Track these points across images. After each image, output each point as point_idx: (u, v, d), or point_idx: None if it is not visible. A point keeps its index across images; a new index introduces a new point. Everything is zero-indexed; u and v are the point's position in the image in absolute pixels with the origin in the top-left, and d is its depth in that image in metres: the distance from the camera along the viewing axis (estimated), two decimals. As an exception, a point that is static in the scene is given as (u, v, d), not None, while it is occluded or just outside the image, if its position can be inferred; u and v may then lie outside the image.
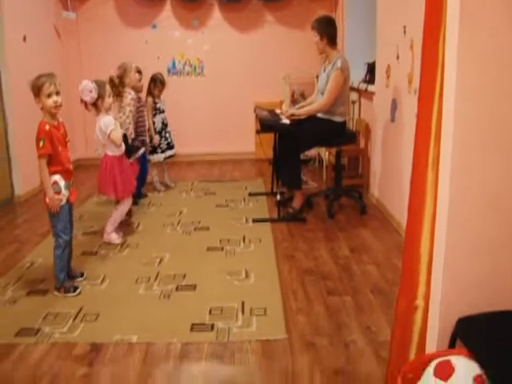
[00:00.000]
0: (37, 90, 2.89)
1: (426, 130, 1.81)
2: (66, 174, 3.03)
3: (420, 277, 1.89)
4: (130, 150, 4.29)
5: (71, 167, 3.08)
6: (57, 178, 2.97)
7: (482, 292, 1.76)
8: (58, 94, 2.92)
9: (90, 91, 3.41)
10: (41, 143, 2.87)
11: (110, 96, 3.59)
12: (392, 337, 2.07)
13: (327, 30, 4.24)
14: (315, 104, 4.40)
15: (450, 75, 1.65)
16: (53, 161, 2.94)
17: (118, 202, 4.03)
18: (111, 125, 3.60)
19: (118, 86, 4.15)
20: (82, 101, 3.46)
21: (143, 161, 4.85)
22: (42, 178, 2.96)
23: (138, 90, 4.64)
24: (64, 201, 3.02)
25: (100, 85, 3.51)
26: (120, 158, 3.77)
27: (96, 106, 3.54)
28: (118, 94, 4.21)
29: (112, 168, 3.71)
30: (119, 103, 4.25)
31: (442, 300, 1.76)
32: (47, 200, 2.97)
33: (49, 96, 2.88)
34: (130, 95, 4.32)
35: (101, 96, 3.51)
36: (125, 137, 4.19)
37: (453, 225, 1.71)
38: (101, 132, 3.63)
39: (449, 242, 1.73)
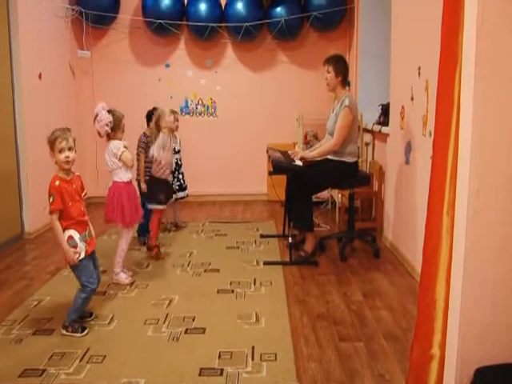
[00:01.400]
0: (51, 144, 2.92)
1: (442, 174, 1.79)
2: (80, 226, 3.00)
3: (435, 324, 1.83)
4: (153, 198, 4.33)
5: (85, 218, 3.07)
6: (71, 232, 2.95)
7: (500, 342, 1.70)
8: (70, 149, 2.94)
9: (107, 124, 3.48)
10: (51, 199, 2.88)
11: (122, 132, 3.65)
12: (407, 387, 2.00)
13: (344, 69, 4.30)
14: (325, 145, 4.41)
15: (466, 117, 1.64)
16: (64, 216, 2.93)
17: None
18: (122, 147, 3.65)
19: (156, 132, 4.25)
20: (94, 121, 3.54)
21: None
22: (55, 233, 2.93)
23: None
24: (82, 254, 2.99)
25: (117, 118, 3.57)
26: (127, 185, 3.77)
27: (108, 135, 3.63)
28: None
29: (120, 196, 3.70)
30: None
31: (459, 349, 1.70)
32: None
33: (60, 151, 2.91)
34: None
35: (114, 130, 3.57)
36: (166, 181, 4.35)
37: (469, 271, 1.67)
38: (111, 155, 3.67)
39: (465, 289, 1.68)
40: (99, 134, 3.59)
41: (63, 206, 2.91)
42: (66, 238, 2.93)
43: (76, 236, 2.95)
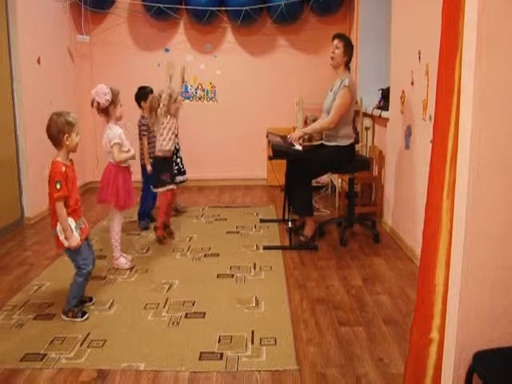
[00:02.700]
0: (71, 126, 2.91)
1: (442, 158, 1.77)
2: (75, 213, 2.99)
3: (435, 308, 1.83)
4: (157, 181, 4.31)
5: (79, 205, 3.06)
6: (69, 220, 2.94)
7: (500, 325, 1.70)
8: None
9: (105, 94, 3.46)
10: (58, 185, 2.84)
11: (121, 106, 3.65)
12: (405, 370, 2.01)
13: (350, 52, 4.29)
14: (321, 121, 4.41)
15: (467, 101, 1.62)
16: (65, 203, 2.91)
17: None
18: (115, 138, 3.63)
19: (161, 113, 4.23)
20: (93, 104, 3.53)
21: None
22: (61, 220, 2.89)
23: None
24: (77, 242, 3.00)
25: (114, 92, 3.55)
26: (124, 169, 3.75)
27: (107, 112, 3.60)
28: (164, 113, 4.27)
29: (116, 176, 3.68)
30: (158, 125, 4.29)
31: (458, 333, 1.70)
32: (64, 241, 2.94)
33: (77, 134, 2.94)
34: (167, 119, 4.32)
35: (113, 103, 3.55)
36: (167, 160, 4.33)
37: (469, 255, 1.66)
38: (106, 140, 3.67)
39: (465, 273, 1.67)
40: (98, 111, 3.57)
41: (68, 192, 2.91)
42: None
43: (73, 225, 2.94)
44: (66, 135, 2.89)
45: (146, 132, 4.77)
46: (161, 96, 4.24)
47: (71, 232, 2.92)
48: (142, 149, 4.82)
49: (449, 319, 1.76)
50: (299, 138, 4.40)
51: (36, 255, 4.22)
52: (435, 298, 1.82)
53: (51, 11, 5.78)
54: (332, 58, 4.29)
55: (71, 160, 3.03)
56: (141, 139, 4.81)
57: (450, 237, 1.77)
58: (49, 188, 2.90)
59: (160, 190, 4.41)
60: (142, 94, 4.84)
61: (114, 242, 3.85)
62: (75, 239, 2.93)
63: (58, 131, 2.89)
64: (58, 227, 2.92)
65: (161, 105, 4.19)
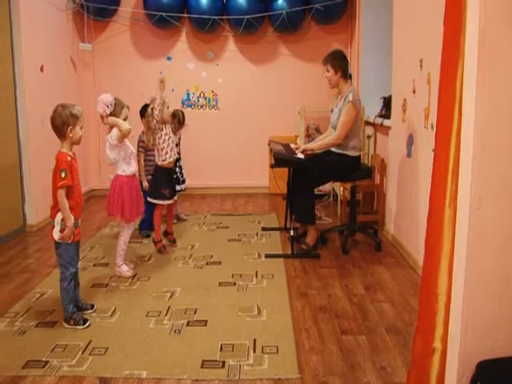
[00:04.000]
0: (75, 118, 2.93)
1: (444, 166, 1.78)
2: (77, 209, 3.00)
3: (437, 317, 1.83)
4: (155, 192, 4.31)
5: (82, 201, 3.08)
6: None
7: (503, 335, 1.70)
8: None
9: (108, 106, 3.47)
10: (62, 174, 2.86)
11: (125, 119, 3.64)
12: (408, 379, 2.01)
13: (341, 63, 4.28)
14: (328, 138, 4.41)
15: (468, 110, 1.63)
16: (68, 194, 2.93)
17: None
18: (116, 131, 3.59)
19: (157, 120, 4.17)
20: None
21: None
22: (62, 207, 2.90)
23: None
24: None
25: (118, 104, 3.56)
26: (130, 179, 3.74)
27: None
28: (159, 128, 4.23)
29: (121, 190, 3.68)
30: (154, 136, 4.24)
31: (461, 342, 1.70)
32: (55, 233, 2.93)
33: (81, 127, 2.96)
34: (163, 131, 4.27)
35: (114, 114, 3.56)
36: (169, 172, 4.32)
37: (472, 265, 1.67)
38: (110, 147, 3.64)
39: (468, 282, 1.68)
40: (101, 117, 3.55)
41: (72, 182, 2.92)
42: (61, 218, 2.92)
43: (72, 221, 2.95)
44: (69, 127, 2.91)
45: (143, 149, 4.77)
46: (153, 107, 4.20)
47: (71, 223, 2.92)
48: (138, 165, 4.79)
49: (451, 329, 1.76)
50: (304, 151, 4.39)
51: (38, 263, 4.22)
52: (438, 307, 1.82)
53: (54, 19, 5.82)
54: (329, 82, 4.37)
55: (74, 153, 3.03)
56: (138, 155, 4.77)
57: (452, 246, 1.77)
58: (53, 177, 2.90)
59: (155, 201, 4.33)
60: (144, 111, 4.84)
61: (120, 250, 3.85)
62: (72, 231, 2.93)
63: (62, 123, 2.90)
64: (57, 218, 2.92)
65: (155, 112, 4.14)
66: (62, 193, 2.89)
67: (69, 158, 2.91)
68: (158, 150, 4.25)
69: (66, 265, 3.03)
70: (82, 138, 3.01)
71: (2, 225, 4.79)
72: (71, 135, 2.93)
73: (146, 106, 4.91)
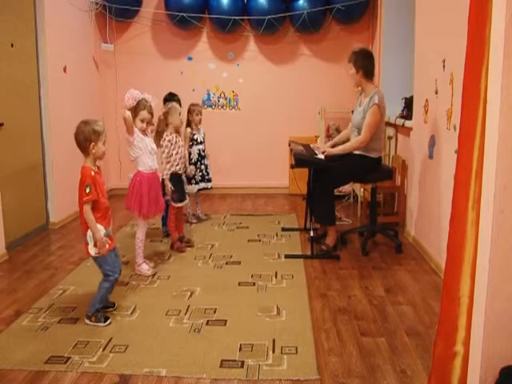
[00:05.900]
0: (97, 135, 2.97)
1: (467, 168, 1.76)
2: (106, 220, 3.04)
3: (459, 321, 1.81)
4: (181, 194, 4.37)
5: (110, 213, 3.11)
6: (98, 226, 2.98)
7: (527, 339, 1.68)
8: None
9: (135, 100, 3.57)
10: (87, 189, 2.90)
11: (143, 121, 3.70)
12: (429, 383, 1.99)
13: (363, 63, 4.23)
14: (352, 141, 4.35)
15: (493, 111, 1.61)
16: (94, 207, 2.97)
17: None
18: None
19: (163, 124, 4.26)
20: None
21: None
22: (89, 223, 2.94)
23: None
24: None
25: (143, 102, 3.65)
26: (150, 175, 3.79)
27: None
28: (162, 131, 4.30)
29: (140, 186, 3.73)
30: (158, 141, 4.28)
31: (484, 347, 1.68)
32: (90, 250, 2.98)
33: (104, 143, 3.01)
34: (167, 137, 4.31)
35: (136, 109, 3.64)
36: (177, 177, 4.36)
37: (495, 267, 1.65)
38: (128, 144, 3.72)
39: (490, 286, 1.65)
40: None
41: (97, 197, 2.96)
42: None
43: (102, 232, 2.98)
44: (92, 143, 2.95)
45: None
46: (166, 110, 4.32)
47: (101, 236, 2.95)
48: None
49: (474, 332, 1.74)
50: (323, 153, 4.35)
51: (60, 260, 4.28)
52: (460, 310, 1.80)
53: (77, 20, 5.89)
54: (353, 82, 4.39)
55: (98, 167, 3.08)
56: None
57: (475, 250, 1.75)
58: (79, 193, 2.95)
59: (177, 204, 4.39)
60: (167, 99, 4.94)
61: (138, 249, 3.89)
62: (105, 243, 2.97)
63: (84, 139, 2.95)
64: (88, 234, 2.96)
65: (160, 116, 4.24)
66: (87, 208, 2.93)
67: (92, 173, 2.95)
68: (166, 158, 4.33)
69: (108, 273, 3.09)
70: (105, 153, 3.04)
71: (26, 222, 4.87)
72: (94, 151, 2.97)
73: (170, 94, 5.02)
